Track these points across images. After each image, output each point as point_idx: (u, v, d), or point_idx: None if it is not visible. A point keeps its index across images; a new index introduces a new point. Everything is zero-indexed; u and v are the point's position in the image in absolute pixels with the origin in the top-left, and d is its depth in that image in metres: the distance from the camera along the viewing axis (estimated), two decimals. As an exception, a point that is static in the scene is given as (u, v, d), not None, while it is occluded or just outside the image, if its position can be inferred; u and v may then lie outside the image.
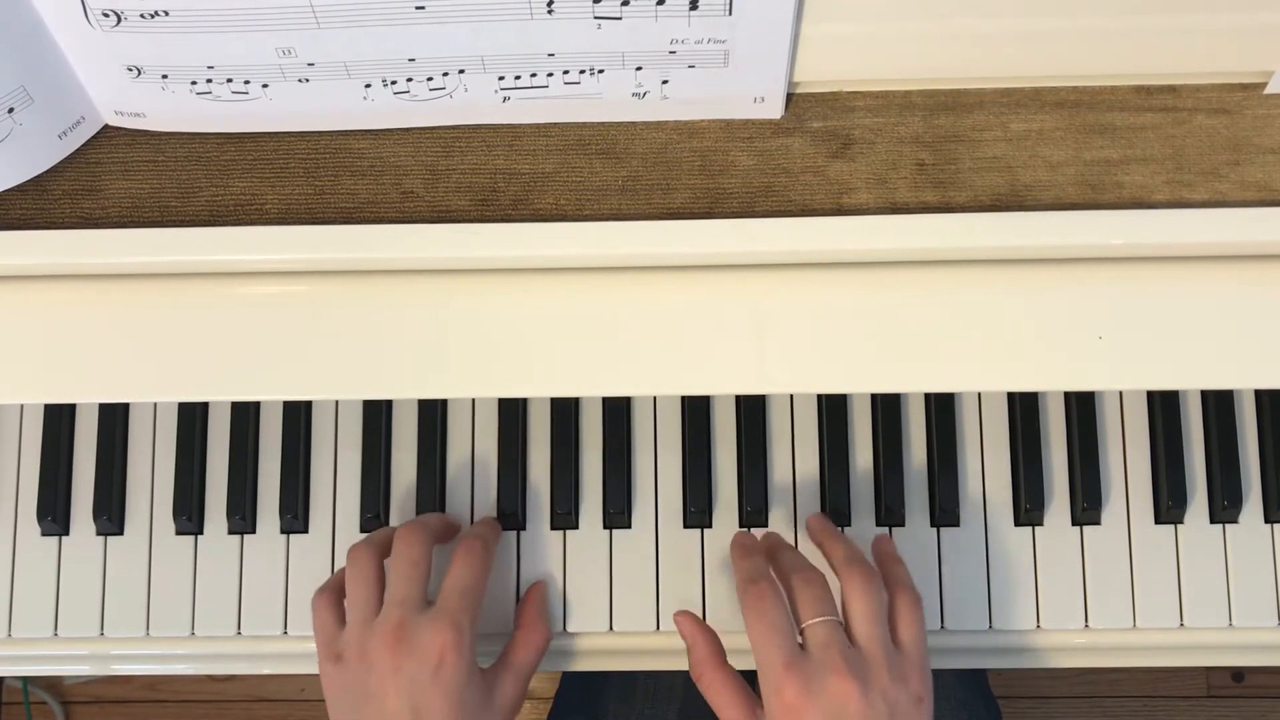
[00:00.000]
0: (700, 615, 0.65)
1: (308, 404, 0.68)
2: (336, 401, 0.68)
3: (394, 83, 0.53)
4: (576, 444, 0.68)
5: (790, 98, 0.56)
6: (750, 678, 0.59)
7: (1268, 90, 0.56)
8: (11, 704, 1.45)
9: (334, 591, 0.62)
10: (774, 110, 0.56)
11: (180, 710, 1.47)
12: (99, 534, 0.68)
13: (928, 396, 0.67)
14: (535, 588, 0.66)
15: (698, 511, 0.66)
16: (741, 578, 0.59)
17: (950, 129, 0.56)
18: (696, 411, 0.67)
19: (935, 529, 0.67)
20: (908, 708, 0.54)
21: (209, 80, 0.53)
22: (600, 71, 0.53)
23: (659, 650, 0.66)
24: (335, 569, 0.67)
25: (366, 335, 0.55)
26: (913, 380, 0.55)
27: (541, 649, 0.64)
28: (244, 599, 0.67)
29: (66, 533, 0.68)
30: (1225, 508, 0.66)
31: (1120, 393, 0.68)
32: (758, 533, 0.66)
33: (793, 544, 0.66)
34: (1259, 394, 0.67)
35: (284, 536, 0.67)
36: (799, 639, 0.56)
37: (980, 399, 0.68)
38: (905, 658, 0.56)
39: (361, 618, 0.58)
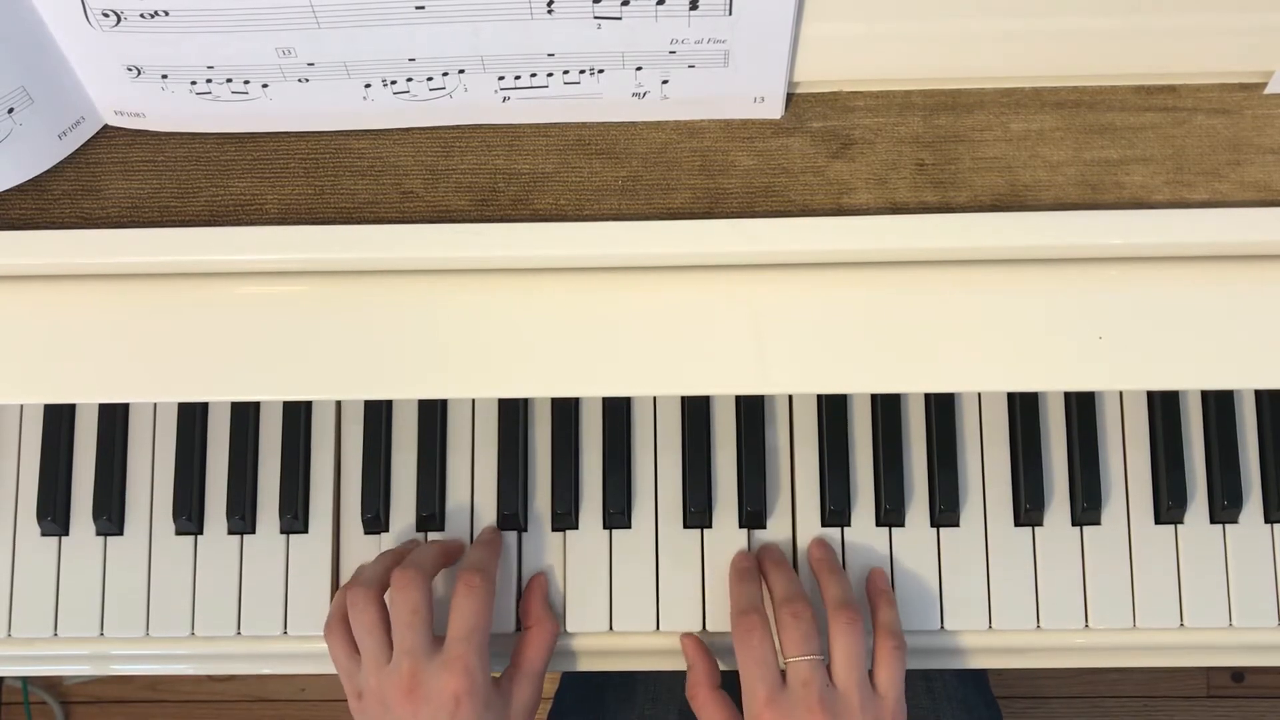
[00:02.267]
0: (700, 615, 0.66)
1: (308, 404, 0.68)
2: (337, 401, 0.68)
3: (394, 83, 0.53)
4: (576, 444, 0.68)
5: (790, 98, 0.56)
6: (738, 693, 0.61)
7: (1268, 90, 0.56)
8: (11, 704, 1.45)
9: (341, 624, 0.62)
10: (774, 110, 0.56)
11: (180, 710, 1.47)
12: (99, 534, 0.68)
13: (928, 396, 0.67)
14: (536, 581, 0.66)
15: (698, 511, 0.66)
16: (735, 607, 0.62)
17: (950, 129, 0.56)
18: (696, 411, 0.67)
19: (935, 529, 0.67)
20: None
21: (209, 80, 0.53)
22: (600, 71, 0.53)
23: (659, 650, 0.66)
24: (335, 570, 0.67)
25: (366, 335, 0.55)
26: (913, 380, 0.55)
27: (551, 643, 0.64)
28: (244, 599, 0.67)
29: (66, 533, 0.68)
30: (1225, 508, 0.66)
31: (1120, 393, 0.68)
32: (759, 544, 0.67)
33: (790, 552, 0.67)
34: (1259, 394, 0.67)
35: (284, 536, 0.67)
36: (783, 668, 0.59)
37: (980, 399, 0.68)
38: (881, 702, 0.59)
39: (375, 663, 0.59)
